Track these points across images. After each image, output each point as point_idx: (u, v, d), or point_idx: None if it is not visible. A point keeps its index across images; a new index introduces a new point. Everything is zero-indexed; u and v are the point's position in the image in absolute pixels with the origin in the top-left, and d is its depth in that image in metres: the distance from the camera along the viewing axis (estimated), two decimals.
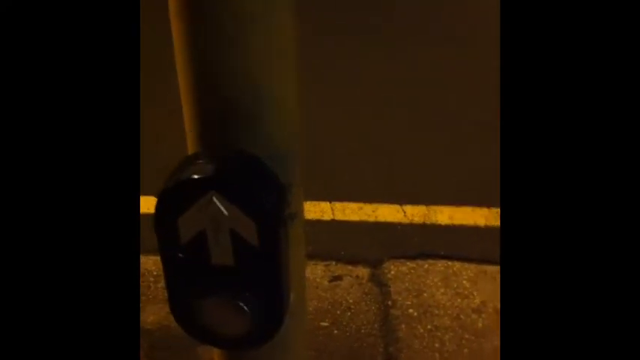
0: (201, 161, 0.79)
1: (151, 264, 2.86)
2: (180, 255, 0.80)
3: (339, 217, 3.00)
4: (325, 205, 3.02)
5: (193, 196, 0.76)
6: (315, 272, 2.66)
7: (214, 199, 0.76)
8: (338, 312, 2.52)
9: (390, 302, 2.54)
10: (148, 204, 3.01)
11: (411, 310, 2.49)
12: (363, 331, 2.44)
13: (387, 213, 3.01)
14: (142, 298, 2.71)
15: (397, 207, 3.02)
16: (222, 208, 0.76)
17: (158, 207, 0.78)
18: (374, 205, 3.05)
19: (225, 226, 0.77)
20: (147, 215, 2.84)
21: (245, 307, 0.81)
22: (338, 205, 3.04)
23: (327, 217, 2.98)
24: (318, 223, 2.89)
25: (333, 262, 2.74)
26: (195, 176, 0.76)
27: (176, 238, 0.79)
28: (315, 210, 2.97)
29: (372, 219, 2.99)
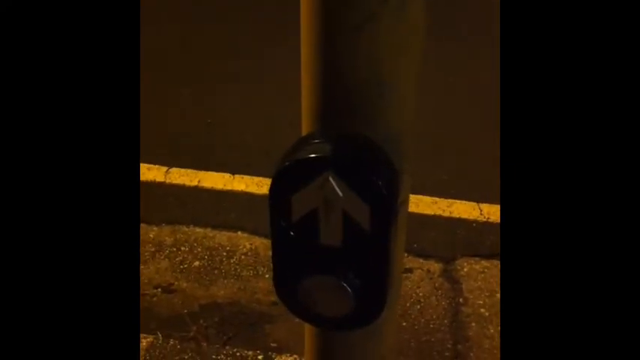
0: (317, 141, 0.80)
1: (225, 239, 2.92)
2: (291, 232, 0.81)
3: (413, 209, 2.98)
4: None
5: (309, 175, 0.77)
6: None
7: (330, 179, 0.76)
8: (407, 304, 2.52)
9: (461, 300, 2.51)
10: (221, 180, 3.05)
11: (482, 310, 2.46)
12: (432, 325, 2.42)
13: (463, 209, 2.97)
14: (215, 272, 2.78)
15: (473, 204, 2.98)
16: (337, 189, 0.76)
17: (274, 183, 0.79)
18: (449, 201, 3.01)
19: (338, 207, 0.78)
20: (223, 192, 2.89)
21: (349, 289, 0.81)
22: (412, 197, 3.02)
23: None
24: None
25: (405, 255, 2.72)
26: (313, 155, 0.77)
27: (288, 215, 0.80)
28: None
29: (446, 214, 2.95)
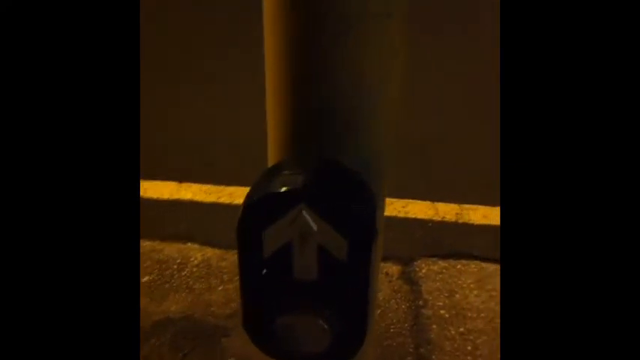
0: (288, 172, 0.74)
1: (175, 251, 2.83)
2: (262, 268, 0.75)
3: None
4: None
5: (281, 208, 0.71)
6: None
7: (304, 213, 0.71)
8: None
9: (421, 302, 2.49)
10: (167, 189, 2.95)
11: (442, 312, 2.44)
12: (392, 330, 2.39)
13: (418, 209, 2.96)
14: (166, 286, 2.68)
15: (429, 204, 2.97)
16: (311, 223, 0.71)
17: (243, 219, 0.73)
18: (404, 201, 3.00)
19: (313, 240, 0.72)
20: (169, 201, 2.78)
21: (326, 326, 0.76)
22: None
23: None
24: None
25: None
26: (285, 188, 0.71)
27: (259, 252, 0.74)
28: None
29: (402, 215, 2.93)
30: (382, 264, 2.68)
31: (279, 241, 0.73)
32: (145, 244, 2.88)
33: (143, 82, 3.91)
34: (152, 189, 3.19)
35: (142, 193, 3.13)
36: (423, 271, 2.62)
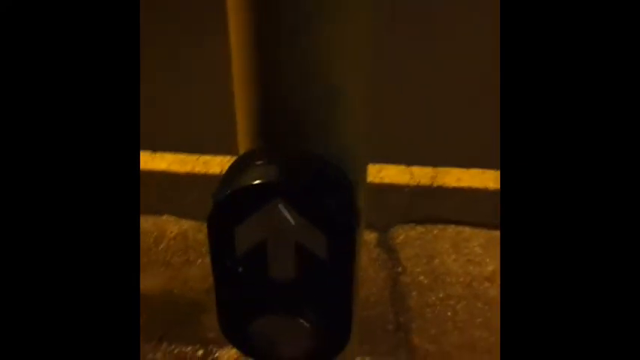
0: (261, 163, 0.69)
1: (150, 224, 2.77)
2: (237, 267, 0.70)
3: None
4: None
5: (255, 203, 0.66)
6: None
7: (280, 208, 0.66)
8: None
9: (399, 269, 2.48)
10: (141, 159, 2.85)
11: (421, 277, 2.43)
12: (372, 299, 2.38)
13: (393, 174, 2.92)
14: (142, 260, 2.62)
15: (403, 168, 2.94)
16: (288, 218, 0.66)
17: (214, 214, 0.68)
18: (379, 166, 2.96)
19: (290, 237, 0.67)
20: (143, 172, 2.70)
21: (307, 325, 0.72)
22: None
23: None
24: None
25: None
26: (258, 181, 0.66)
27: (231, 249, 0.69)
28: None
29: (377, 180, 2.90)
30: None
31: (253, 238, 0.68)
32: None
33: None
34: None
35: None
36: (401, 237, 2.60)
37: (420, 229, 2.64)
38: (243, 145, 0.73)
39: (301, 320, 0.72)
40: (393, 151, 3.01)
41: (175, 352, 2.16)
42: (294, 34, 0.64)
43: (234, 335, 0.75)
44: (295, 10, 0.63)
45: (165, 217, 2.81)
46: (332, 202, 0.67)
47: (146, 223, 2.78)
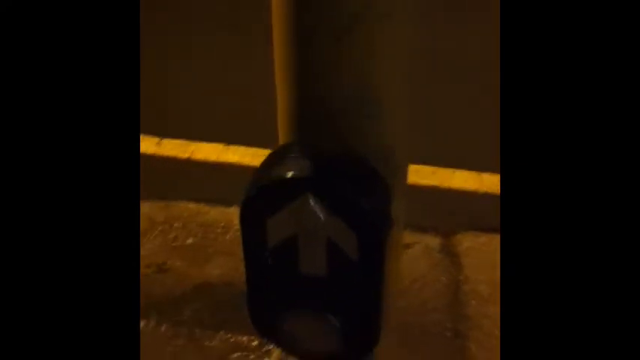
0: (296, 156, 0.69)
1: (219, 215, 2.83)
2: (268, 260, 0.71)
3: (412, 179, 2.87)
4: None
5: (287, 196, 0.67)
6: None
7: (311, 203, 0.66)
8: (406, 282, 2.44)
9: (461, 277, 2.43)
10: (214, 151, 2.91)
11: (483, 287, 2.38)
12: (430, 305, 2.34)
13: (463, 180, 2.87)
14: (209, 250, 2.69)
15: (475, 174, 2.88)
16: (319, 214, 0.67)
17: (246, 205, 0.69)
18: (449, 170, 2.91)
19: (321, 233, 0.68)
20: (216, 164, 2.75)
21: (334, 323, 0.72)
22: (411, 167, 2.91)
23: None
24: None
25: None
26: (291, 174, 0.67)
27: (263, 241, 0.70)
28: None
29: (446, 185, 2.85)
30: (421, 236, 2.63)
31: (284, 231, 0.69)
32: (191, 207, 2.89)
33: (197, 49, 3.88)
34: (199, 150, 3.19)
35: (189, 155, 3.14)
36: (465, 244, 2.55)
37: (485, 237, 2.57)
38: (282, 139, 0.74)
39: (329, 318, 0.72)
40: (464, 157, 2.95)
41: (232, 340, 2.20)
42: (337, 33, 0.64)
43: (262, 327, 0.76)
44: (341, 10, 0.63)
45: (233, 208, 2.86)
46: (365, 201, 0.67)
47: (215, 213, 2.84)
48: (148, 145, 3.16)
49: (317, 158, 0.69)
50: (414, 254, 2.56)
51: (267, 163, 0.70)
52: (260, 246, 0.70)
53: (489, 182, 2.84)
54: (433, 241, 2.59)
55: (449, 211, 2.72)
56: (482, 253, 2.52)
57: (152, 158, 3.10)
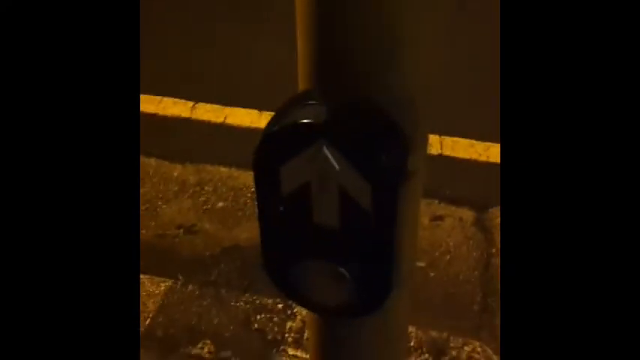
0: (313, 102, 0.66)
1: (250, 180, 2.82)
2: (280, 208, 0.69)
3: (448, 152, 2.82)
4: (434, 138, 2.85)
5: (301, 142, 0.64)
6: None
7: (324, 150, 0.64)
8: (437, 254, 2.40)
9: (493, 250, 2.39)
10: (248, 117, 2.91)
11: None
12: (461, 277, 2.31)
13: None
14: (239, 213, 2.70)
15: None
16: (333, 162, 0.64)
17: (259, 150, 0.67)
18: (486, 144, 2.84)
19: (334, 182, 0.65)
20: (250, 129, 2.75)
21: (348, 275, 0.70)
22: (448, 139, 2.85)
23: (435, 151, 2.81)
24: None
25: (436, 201, 2.59)
26: (305, 120, 0.64)
27: (276, 189, 0.68)
28: None
29: (483, 158, 2.79)
30: (456, 209, 2.58)
31: (298, 179, 0.67)
32: (222, 171, 2.90)
33: (232, 17, 3.85)
34: (233, 115, 3.18)
35: (222, 120, 3.14)
36: (499, 219, 2.49)
37: None
38: (302, 85, 0.71)
39: (341, 269, 0.70)
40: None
41: (257, 302, 2.21)
42: None
43: (276, 277, 0.75)
44: None
45: None
46: (380, 151, 0.64)
47: (247, 177, 2.84)
48: (182, 108, 3.17)
49: (334, 105, 0.66)
50: (446, 227, 2.52)
51: (284, 107, 0.67)
52: (273, 194, 0.68)
53: None
54: (467, 214, 2.55)
55: (484, 185, 2.66)
56: None
57: (186, 121, 3.11)
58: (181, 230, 2.60)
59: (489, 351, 2.09)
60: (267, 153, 0.67)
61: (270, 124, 0.67)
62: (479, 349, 2.09)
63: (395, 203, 0.65)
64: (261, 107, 3.14)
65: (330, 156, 0.64)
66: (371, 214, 0.65)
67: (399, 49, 0.65)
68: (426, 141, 0.74)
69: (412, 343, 2.08)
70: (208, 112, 3.17)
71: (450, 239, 2.46)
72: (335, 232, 0.68)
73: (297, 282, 0.73)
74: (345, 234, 0.68)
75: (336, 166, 0.64)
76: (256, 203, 0.71)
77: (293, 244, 0.71)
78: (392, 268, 0.70)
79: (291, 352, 2.10)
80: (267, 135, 0.66)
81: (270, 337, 2.13)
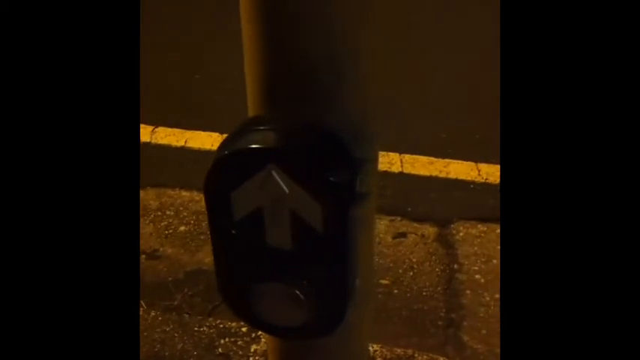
0: (262, 128, 0.67)
1: None
2: (233, 231, 0.69)
3: (408, 170, 2.85)
4: (394, 156, 2.88)
5: (250, 167, 0.65)
6: (379, 227, 2.54)
7: (274, 174, 0.64)
8: (400, 271, 2.42)
9: (456, 265, 2.41)
10: (208, 140, 2.89)
11: (478, 276, 2.36)
12: (424, 293, 2.33)
13: (460, 170, 2.85)
14: (201, 237, 2.68)
15: (471, 164, 2.85)
16: (282, 185, 0.65)
17: (210, 177, 0.67)
18: (446, 161, 2.89)
19: (285, 205, 0.66)
20: (210, 152, 2.74)
21: (302, 297, 0.70)
22: (408, 157, 2.89)
23: (396, 169, 2.84)
24: (385, 175, 2.76)
25: (399, 218, 2.61)
26: (254, 145, 0.65)
27: (229, 214, 0.68)
28: (383, 161, 2.83)
29: (443, 175, 2.83)
30: (418, 225, 2.61)
31: (249, 203, 0.67)
32: (184, 195, 2.88)
33: (190, 37, 3.85)
34: (194, 139, 3.17)
35: (183, 144, 3.13)
36: (461, 234, 2.53)
37: (481, 227, 2.56)
38: (252, 111, 0.71)
39: (296, 291, 0.70)
40: (462, 147, 2.93)
41: (221, 326, 2.19)
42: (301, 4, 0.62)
43: (232, 300, 0.75)
44: None
45: None
46: (329, 172, 0.65)
47: None
48: (142, 132, 3.15)
49: (282, 129, 0.67)
50: (409, 243, 2.54)
51: (233, 134, 0.68)
52: (225, 219, 0.68)
53: (485, 172, 2.82)
54: (429, 230, 2.58)
55: (445, 201, 2.70)
56: (477, 242, 2.50)
57: (146, 146, 3.09)
58: (144, 256, 2.57)
59: None
60: (217, 178, 0.67)
61: (220, 149, 0.67)
62: None
63: (346, 223, 0.66)
64: (222, 130, 3.14)
65: (279, 180, 0.64)
66: (322, 235, 0.66)
67: (347, 71, 0.66)
68: (376, 161, 0.75)
69: None
70: (169, 136, 3.15)
71: (412, 256, 2.48)
72: (288, 254, 0.69)
73: (253, 305, 0.73)
74: (298, 256, 0.69)
75: (286, 190, 0.65)
76: (209, 229, 0.71)
77: (247, 267, 0.71)
78: (346, 288, 0.70)
79: None
80: (217, 160, 0.66)
81: None
